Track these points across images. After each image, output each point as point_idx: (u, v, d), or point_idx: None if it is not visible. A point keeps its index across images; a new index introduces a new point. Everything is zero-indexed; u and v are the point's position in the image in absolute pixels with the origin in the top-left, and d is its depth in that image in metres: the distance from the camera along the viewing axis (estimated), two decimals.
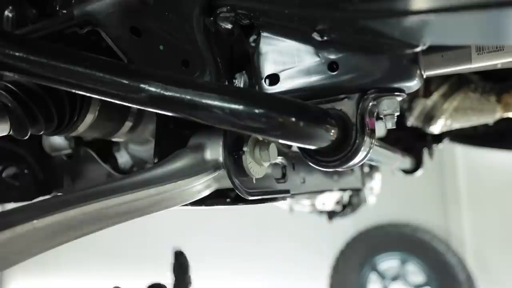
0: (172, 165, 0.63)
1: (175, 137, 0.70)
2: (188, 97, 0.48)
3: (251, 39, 0.61)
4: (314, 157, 0.58)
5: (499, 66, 0.70)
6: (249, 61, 0.62)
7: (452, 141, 1.75)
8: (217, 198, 0.72)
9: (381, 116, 0.56)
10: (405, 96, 0.55)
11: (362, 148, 0.54)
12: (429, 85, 1.25)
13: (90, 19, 0.62)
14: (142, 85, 0.49)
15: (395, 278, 2.95)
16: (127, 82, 0.50)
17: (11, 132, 0.65)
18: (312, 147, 0.55)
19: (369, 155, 0.56)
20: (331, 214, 1.80)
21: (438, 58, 0.70)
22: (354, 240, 3.09)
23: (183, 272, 0.77)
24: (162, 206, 0.60)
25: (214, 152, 0.64)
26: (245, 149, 0.63)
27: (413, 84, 0.53)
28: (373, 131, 0.55)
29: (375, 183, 1.61)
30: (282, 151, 0.81)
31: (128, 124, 0.83)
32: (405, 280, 2.93)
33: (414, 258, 2.89)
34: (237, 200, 0.71)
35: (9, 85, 0.64)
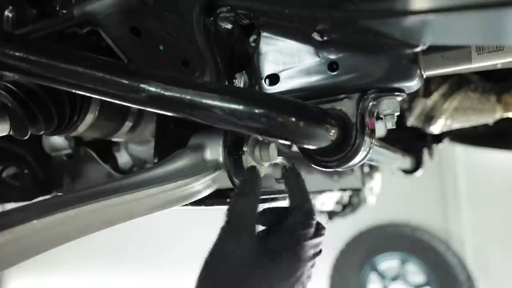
0: (172, 165, 0.63)
1: (175, 137, 0.70)
2: (188, 97, 0.48)
3: (251, 39, 0.61)
4: (314, 157, 0.58)
5: (499, 66, 0.70)
6: (249, 61, 0.62)
7: (452, 141, 1.75)
8: (217, 198, 0.72)
9: (381, 116, 0.56)
10: (405, 96, 0.55)
11: (362, 148, 0.54)
12: (429, 85, 1.25)
13: (90, 19, 0.62)
14: (142, 85, 0.49)
15: (395, 278, 2.95)
16: (127, 82, 0.50)
17: (11, 132, 0.65)
18: (312, 147, 0.55)
19: (369, 155, 0.56)
20: (331, 214, 1.80)
21: (438, 58, 0.70)
22: (354, 240, 3.09)
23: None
24: (162, 206, 0.60)
25: (214, 152, 0.64)
26: (245, 149, 0.63)
27: (413, 84, 0.53)
28: (373, 131, 0.55)
29: (375, 183, 1.61)
30: (282, 151, 0.81)
31: (128, 124, 0.83)
32: (405, 280, 2.93)
33: (414, 258, 2.89)
34: None
35: (9, 85, 0.64)
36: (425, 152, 1.62)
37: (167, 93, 0.48)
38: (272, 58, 0.59)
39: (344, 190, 1.38)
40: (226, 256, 0.48)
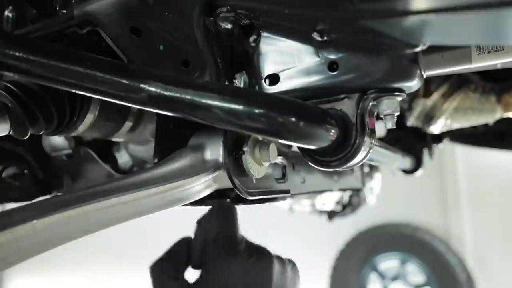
0: (172, 165, 0.63)
1: (175, 137, 0.70)
2: (188, 97, 0.48)
3: (251, 39, 0.61)
4: (314, 157, 0.58)
5: (499, 66, 0.70)
6: (249, 61, 0.62)
7: (452, 141, 1.75)
8: (217, 198, 0.72)
9: (381, 116, 0.56)
10: (405, 96, 0.55)
11: (362, 148, 0.54)
12: (429, 85, 1.25)
13: (90, 19, 0.62)
14: (142, 85, 0.49)
15: (395, 278, 2.95)
16: (127, 82, 0.50)
17: (11, 132, 0.65)
18: (312, 147, 0.55)
19: (369, 155, 0.56)
20: (331, 214, 1.80)
21: (438, 58, 0.70)
22: (354, 240, 3.09)
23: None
24: (162, 206, 0.60)
25: (214, 152, 0.64)
26: (245, 149, 0.63)
27: (413, 84, 0.53)
28: (373, 131, 0.55)
29: (375, 183, 1.61)
30: (282, 151, 0.81)
31: (128, 124, 0.83)
32: (405, 280, 2.93)
33: (414, 258, 2.89)
34: (237, 200, 0.71)
35: (9, 85, 0.64)
36: (425, 152, 1.61)
37: (167, 93, 0.48)
38: (272, 58, 0.59)
39: (344, 190, 1.38)
40: None
